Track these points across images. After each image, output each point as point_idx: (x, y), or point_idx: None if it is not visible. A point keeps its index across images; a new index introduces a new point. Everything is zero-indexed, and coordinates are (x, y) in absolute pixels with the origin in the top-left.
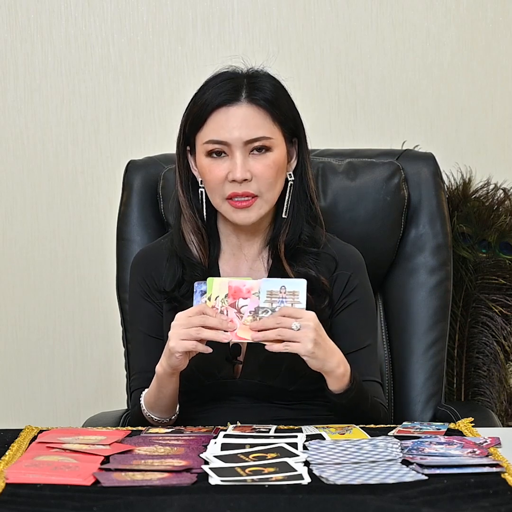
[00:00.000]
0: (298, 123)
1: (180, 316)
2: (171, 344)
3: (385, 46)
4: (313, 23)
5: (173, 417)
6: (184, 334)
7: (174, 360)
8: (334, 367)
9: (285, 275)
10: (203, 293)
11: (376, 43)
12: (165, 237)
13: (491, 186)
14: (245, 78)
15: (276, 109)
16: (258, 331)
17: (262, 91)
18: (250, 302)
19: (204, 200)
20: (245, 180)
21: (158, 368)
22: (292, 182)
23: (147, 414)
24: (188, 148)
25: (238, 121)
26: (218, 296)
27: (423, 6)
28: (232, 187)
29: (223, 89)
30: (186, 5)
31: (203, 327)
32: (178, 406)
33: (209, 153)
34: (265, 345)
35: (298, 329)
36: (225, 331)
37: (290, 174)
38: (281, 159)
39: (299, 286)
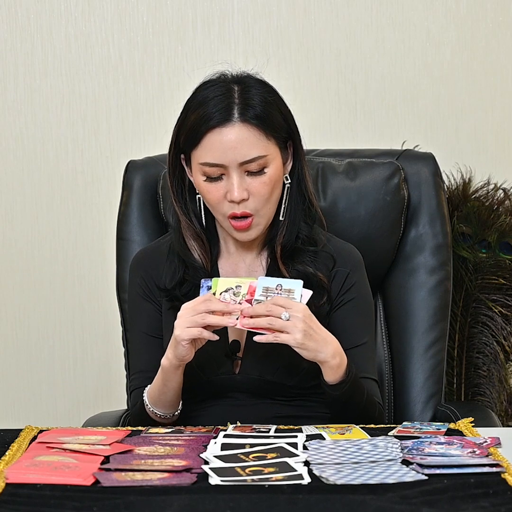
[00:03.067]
0: (291, 128)
1: (186, 306)
2: (177, 332)
3: (385, 46)
4: (313, 23)
5: (176, 412)
6: (189, 321)
7: (180, 350)
8: (329, 357)
9: (282, 276)
10: (209, 288)
11: (376, 43)
12: (164, 237)
13: (491, 186)
14: (236, 89)
15: (268, 124)
16: (249, 317)
17: (253, 107)
18: (247, 295)
19: (202, 206)
20: (243, 199)
21: (164, 361)
22: (289, 185)
23: (151, 410)
24: (182, 156)
25: (233, 143)
26: (223, 291)
27: (423, 6)
28: (231, 208)
29: (216, 109)
30: (186, 5)
31: (208, 313)
32: (181, 402)
33: (206, 177)
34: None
35: (288, 319)
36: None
37: (286, 177)
38: (277, 172)
39: (295, 285)
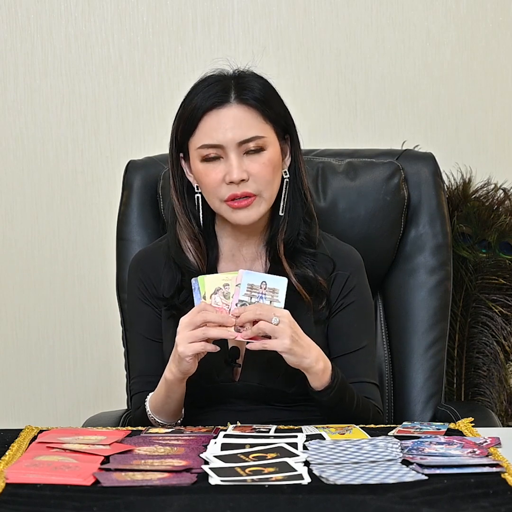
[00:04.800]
0: (289, 121)
1: (184, 320)
2: (180, 349)
3: (385, 46)
4: (313, 23)
5: (179, 420)
6: (190, 336)
7: (185, 365)
8: (313, 363)
9: (284, 275)
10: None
11: (376, 43)
12: (162, 238)
13: (491, 186)
14: (232, 79)
15: (266, 108)
16: (237, 317)
17: (251, 90)
18: (235, 294)
19: (200, 206)
20: (243, 180)
21: (168, 374)
22: (287, 180)
23: (153, 418)
24: (181, 154)
25: (230, 123)
26: (213, 293)
27: (423, 6)
28: (230, 189)
29: (212, 92)
30: (186, 5)
31: (206, 325)
32: (183, 409)
33: (204, 159)
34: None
35: (277, 324)
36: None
37: (285, 172)
38: (276, 157)
39: (280, 284)
